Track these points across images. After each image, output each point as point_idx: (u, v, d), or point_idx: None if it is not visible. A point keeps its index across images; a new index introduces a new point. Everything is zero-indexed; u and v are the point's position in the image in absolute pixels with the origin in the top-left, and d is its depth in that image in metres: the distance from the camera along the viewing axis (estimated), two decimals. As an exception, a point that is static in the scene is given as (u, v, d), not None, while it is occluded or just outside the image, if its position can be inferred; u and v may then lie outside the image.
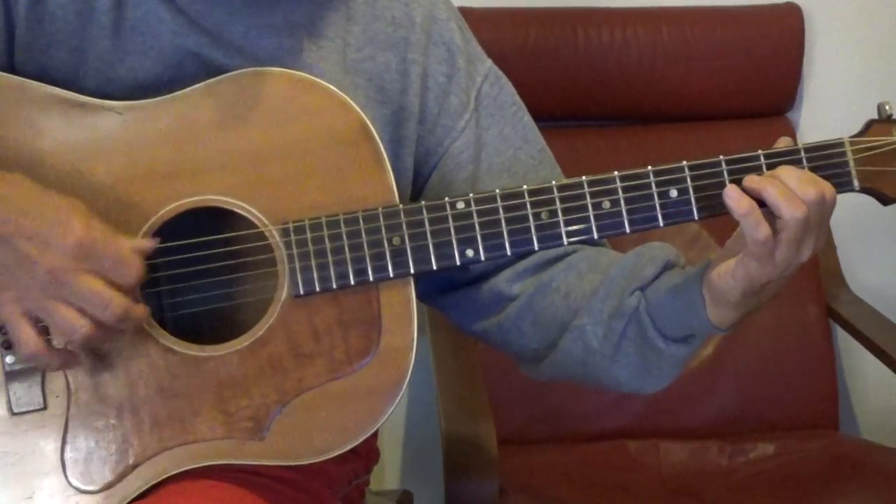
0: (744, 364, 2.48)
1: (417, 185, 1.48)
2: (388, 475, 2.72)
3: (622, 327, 1.38)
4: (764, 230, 1.24)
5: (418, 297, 1.43)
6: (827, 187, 1.27)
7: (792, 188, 1.25)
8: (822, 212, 1.27)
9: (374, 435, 1.60)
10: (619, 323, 1.38)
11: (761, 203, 1.25)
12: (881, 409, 2.73)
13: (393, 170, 1.35)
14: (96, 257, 1.21)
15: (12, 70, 1.35)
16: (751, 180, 1.27)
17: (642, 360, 1.39)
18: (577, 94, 2.52)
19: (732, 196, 1.25)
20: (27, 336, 1.23)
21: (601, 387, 1.47)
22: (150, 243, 1.28)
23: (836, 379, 2.52)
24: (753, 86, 2.56)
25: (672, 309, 1.35)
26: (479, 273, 1.46)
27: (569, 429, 2.43)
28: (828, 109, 2.64)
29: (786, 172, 1.27)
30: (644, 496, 2.24)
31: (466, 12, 2.34)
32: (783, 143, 1.32)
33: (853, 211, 2.42)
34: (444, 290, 1.50)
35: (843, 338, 2.57)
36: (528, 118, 1.52)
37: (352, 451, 1.46)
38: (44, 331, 1.24)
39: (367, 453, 1.60)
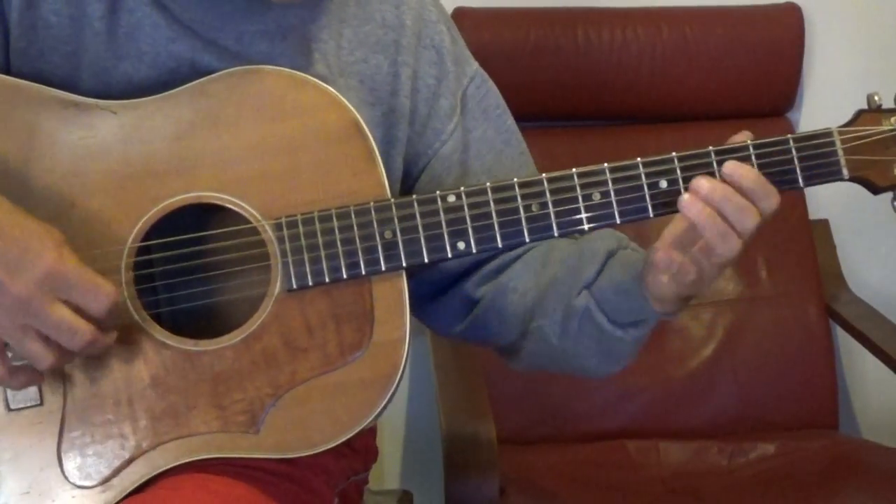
0: (744, 364, 2.48)
1: (407, 186, 1.49)
2: (388, 475, 2.72)
3: (577, 325, 1.41)
4: (730, 241, 1.27)
5: None
6: (769, 205, 1.29)
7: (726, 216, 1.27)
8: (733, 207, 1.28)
9: (372, 432, 1.61)
10: (573, 322, 1.41)
11: None
12: (881, 409, 2.73)
13: (384, 170, 1.36)
14: (66, 287, 1.21)
15: (7, 75, 1.36)
16: (691, 203, 1.28)
17: (603, 349, 1.43)
18: (577, 94, 2.53)
19: (686, 201, 1.28)
20: None
21: (575, 374, 1.51)
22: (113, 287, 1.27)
23: (836, 379, 2.52)
24: (753, 86, 2.57)
25: (619, 303, 1.38)
26: (451, 279, 1.49)
27: (569, 429, 2.44)
28: (828, 109, 2.62)
29: (724, 194, 1.28)
30: (644, 496, 2.24)
31: (467, 12, 2.36)
32: (743, 136, 1.33)
33: (853, 211, 2.43)
34: (420, 301, 1.51)
35: (843, 338, 2.57)
36: (511, 121, 1.54)
37: (349, 447, 1.47)
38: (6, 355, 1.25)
39: (364, 450, 1.60)
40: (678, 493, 2.25)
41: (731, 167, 1.28)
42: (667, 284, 1.31)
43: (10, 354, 1.25)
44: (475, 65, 1.53)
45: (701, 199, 1.27)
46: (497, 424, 2.00)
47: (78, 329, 1.22)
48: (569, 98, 2.53)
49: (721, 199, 1.27)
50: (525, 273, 1.46)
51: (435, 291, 1.51)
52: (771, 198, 1.28)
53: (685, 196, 1.28)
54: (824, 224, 2.63)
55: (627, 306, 1.38)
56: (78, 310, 1.22)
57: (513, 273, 1.46)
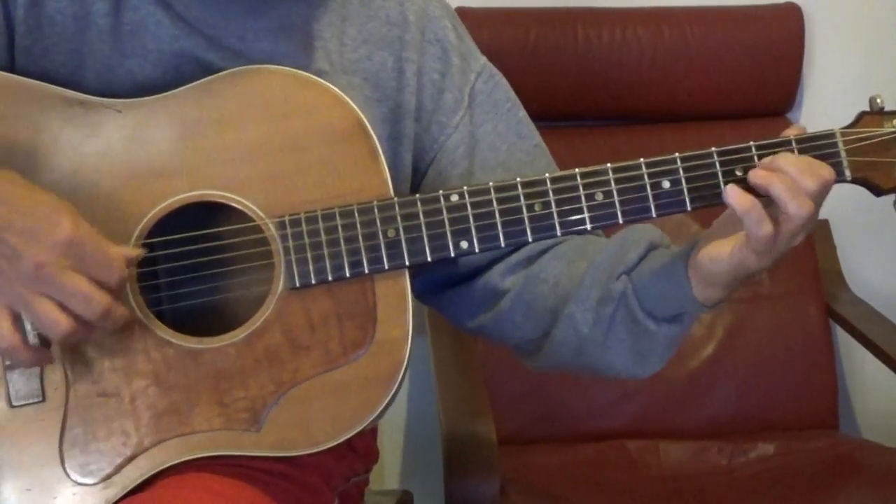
0: (744, 364, 2.49)
1: (415, 182, 1.49)
2: (388, 475, 2.73)
3: (611, 312, 1.38)
4: (767, 227, 1.24)
5: (416, 296, 1.44)
6: (827, 174, 1.27)
7: (795, 181, 1.25)
8: (822, 199, 1.28)
9: (373, 434, 1.61)
10: (608, 308, 1.38)
11: (758, 194, 1.26)
12: (881, 409, 2.73)
13: (391, 167, 1.36)
14: (82, 255, 1.22)
15: (13, 73, 1.36)
16: (757, 176, 1.27)
17: (635, 343, 1.40)
18: (577, 94, 2.53)
19: (733, 195, 1.25)
20: (2, 330, 1.23)
21: (598, 374, 1.47)
22: (137, 251, 1.29)
23: (836, 379, 2.52)
24: (753, 86, 2.57)
25: (658, 290, 1.36)
26: (473, 269, 1.47)
27: (569, 429, 2.44)
28: (828, 109, 2.64)
29: (786, 162, 1.27)
30: (644, 496, 2.24)
31: (466, 12, 2.36)
32: (794, 131, 1.33)
33: (853, 211, 2.43)
34: (440, 288, 1.51)
35: (843, 338, 2.57)
36: (522, 114, 1.53)
37: (350, 448, 1.47)
38: (21, 328, 1.24)
39: (365, 451, 1.60)
40: (678, 493, 2.25)
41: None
42: (732, 266, 1.29)
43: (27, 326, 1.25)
44: (483, 59, 1.53)
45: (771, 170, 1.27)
46: (497, 424, 2.01)
47: (93, 297, 1.22)
48: (569, 98, 2.53)
49: (789, 164, 1.27)
50: (557, 264, 1.44)
51: (455, 280, 1.49)
52: (824, 167, 1.28)
53: (755, 171, 1.27)
54: (824, 224, 2.63)
55: (667, 294, 1.35)
56: (92, 279, 1.22)
57: (543, 264, 1.45)
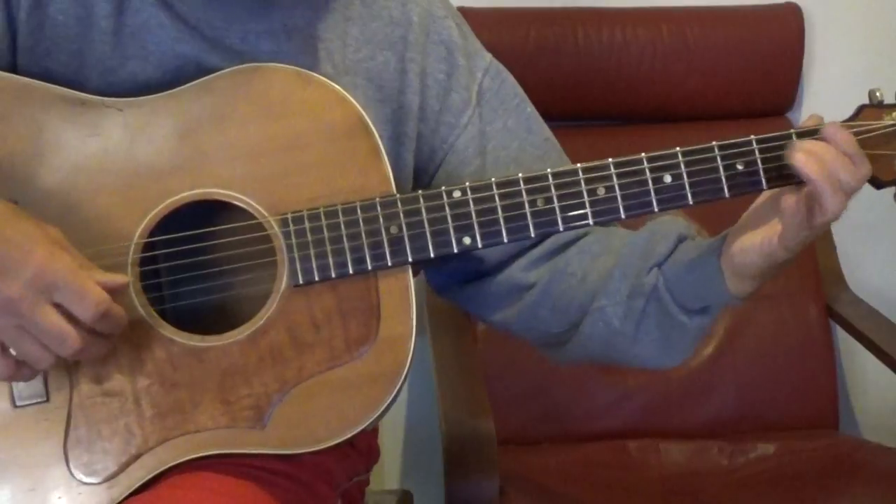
0: (744, 364, 2.48)
1: (424, 183, 1.49)
2: (388, 475, 2.72)
3: (642, 305, 1.39)
4: (840, 197, 1.27)
5: (437, 291, 1.44)
6: (868, 171, 1.30)
7: (840, 179, 1.27)
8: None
9: (375, 433, 1.61)
10: (639, 301, 1.39)
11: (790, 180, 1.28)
12: (881, 409, 2.73)
13: (393, 168, 1.36)
14: (55, 289, 1.20)
15: (15, 73, 1.36)
16: (807, 160, 1.27)
17: (664, 335, 1.41)
18: (577, 94, 2.53)
19: (801, 160, 1.27)
20: None
21: (625, 365, 1.49)
22: (121, 280, 1.27)
23: (836, 379, 2.52)
24: (753, 86, 2.57)
25: (690, 284, 1.37)
26: (494, 263, 1.47)
27: (569, 429, 2.43)
28: (828, 109, 2.59)
29: (831, 154, 1.28)
30: (644, 496, 2.24)
31: (466, 12, 2.34)
32: (812, 121, 1.34)
33: (853, 211, 2.42)
34: (461, 282, 1.51)
35: (843, 338, 2.57)
36: (531, 109, 1.54)
37: (351, 447, 1.48)
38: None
39: (366, 451, 1.60)
40: (678, 493, 2.25)
41: (833, 129, 1.30)
42: (763, 256, 1.30)
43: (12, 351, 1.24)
44: (488, 57, 1.53)
45: (815, 158, 1.27)
46: (497, 424, 2.00)
47: (66, 336, 1.21)
48: (569, 98, 2.53)
49: (833, 159, 1.27)
50: (584, 258, 1.44)
51: (476, 275, 1.49)
52: (865, 165, 1.29)
53: (799, 155, 1.27)
54: (824, 224, 2.63)
55: (699, 286, 1.36)
56: (67, 314, 1.21)
57: (569, 258, 1.45)
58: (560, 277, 1.44)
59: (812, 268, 2.54)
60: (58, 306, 1.21)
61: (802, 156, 1.27)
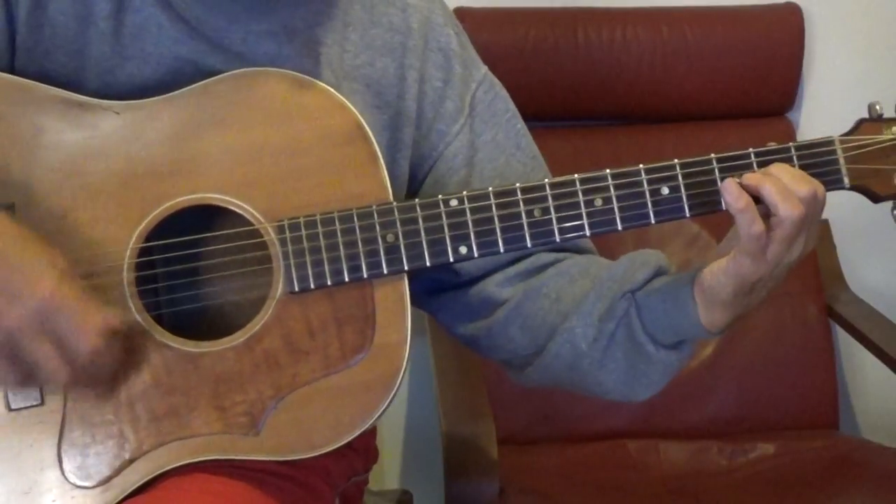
0: (744, 364, 2.48)
1: (412, 188, 1.49)
2: (388, 475, 2.73)
3: (612, 329, 1.38)
4: (758, 226, 1.25)
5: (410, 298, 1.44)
6: (818, 186, 1.28)
7: (787, 185, 1.26)
8: (814, 210, 1.28)
9: (372, 433, 1.61)
10: (609, 325, 1.38)
11: (757, 200, 1.26)
12: (881, 409, 2.73)
13: (389, 174, 1.36)
14: (57, 321, 1.20)
15: (13, 73, 1.36)
16: (749, 178, 1.27)
17: (630, 364, 1.40)
18: (577, 94, 2.52)
19: (731, 191, 1.26)
20: None
21: (587, 392, 1.47)
22: (115, 320, 1.25)
23: (836, 379, 2.52)
24: (753, 86, 2.57)
25: (663, 312, 1.36)
26: (469, 277, 1.47)
27: (569, 429, 2.43)
28: (828, 109, 2.64)
29: (779, 170, 1.28)
30: (644, 496, 2.24)
31: (466, 12, 2.36)
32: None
33: (853, 211, 2.42)
34: (432, 291, 1.51)
35: (843, 338, 2.57)
36: (521, 125, 1.53)
37: (349, 447, 1.47)
38: None
39: (365, 451, 1.60)
40: (678, 493, 2.25)
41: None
42: (729, 276, 1.29)
43: None
44: (484, 69, 1.53)
45: (762, 172, 1.28)
46: (497, 424, 2.01)
47: (57, 372, 1.21)
48: (568, 98, 2.53)
49: (777, 170, 1.28)
50: (560, 280, 1.44)
51: (451, 285, 1.49)
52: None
53: (748, 174, 1.28)
54: (824, 225, 2.63)
55: (671, 315, 1.35)
56: (62, 348, 1.21)
57: (546, 279, 1.45)
58: (534, 297, 1.44)
59: (812, 268, 2.54)
60: (52, 339, 1.21)
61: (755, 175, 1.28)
